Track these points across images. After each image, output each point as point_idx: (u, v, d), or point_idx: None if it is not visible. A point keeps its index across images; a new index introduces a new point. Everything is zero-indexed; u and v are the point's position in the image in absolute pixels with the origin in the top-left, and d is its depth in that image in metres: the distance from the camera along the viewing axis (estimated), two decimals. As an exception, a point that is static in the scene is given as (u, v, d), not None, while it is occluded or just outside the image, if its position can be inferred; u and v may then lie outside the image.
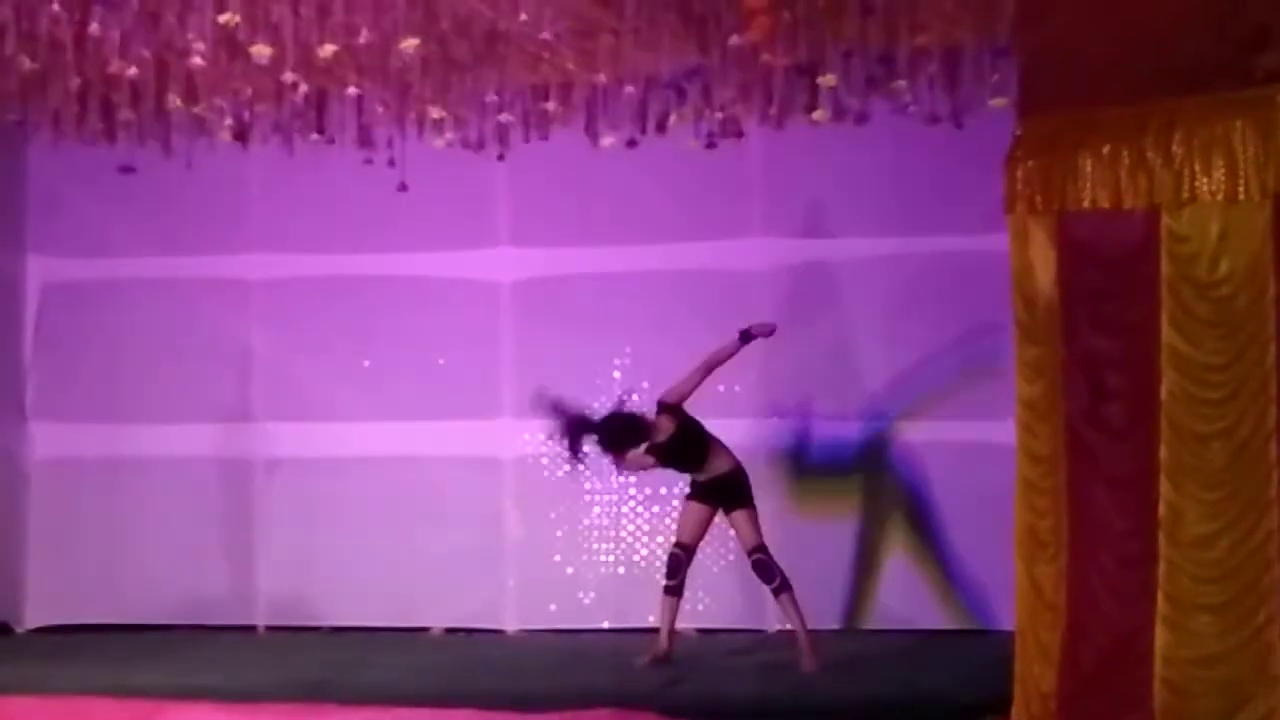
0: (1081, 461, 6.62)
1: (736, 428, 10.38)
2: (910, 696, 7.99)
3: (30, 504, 11.14)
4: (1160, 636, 6.34)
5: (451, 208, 10.78)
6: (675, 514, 10.47)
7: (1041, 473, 6.78)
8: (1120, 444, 6.51)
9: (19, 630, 11.01)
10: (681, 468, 9.27)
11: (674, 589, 9.16)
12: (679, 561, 9.16)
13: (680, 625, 10.24)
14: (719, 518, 9.19)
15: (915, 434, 10.31)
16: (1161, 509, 6.35)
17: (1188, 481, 6.31)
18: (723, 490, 9.11)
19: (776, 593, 9.02)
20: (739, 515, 9.11)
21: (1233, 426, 6.23)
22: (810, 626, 8.98)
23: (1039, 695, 6.73)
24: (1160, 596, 6.35)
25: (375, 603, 10.78)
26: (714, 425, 10.00)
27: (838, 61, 9.12)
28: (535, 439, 10.67)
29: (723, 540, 10.49)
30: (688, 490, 9.30)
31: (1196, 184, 6.31)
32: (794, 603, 8.95)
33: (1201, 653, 6.26)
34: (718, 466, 9.13)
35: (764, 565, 9.02)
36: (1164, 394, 6.35)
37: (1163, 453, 6.35)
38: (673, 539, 9.38)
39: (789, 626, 9.14)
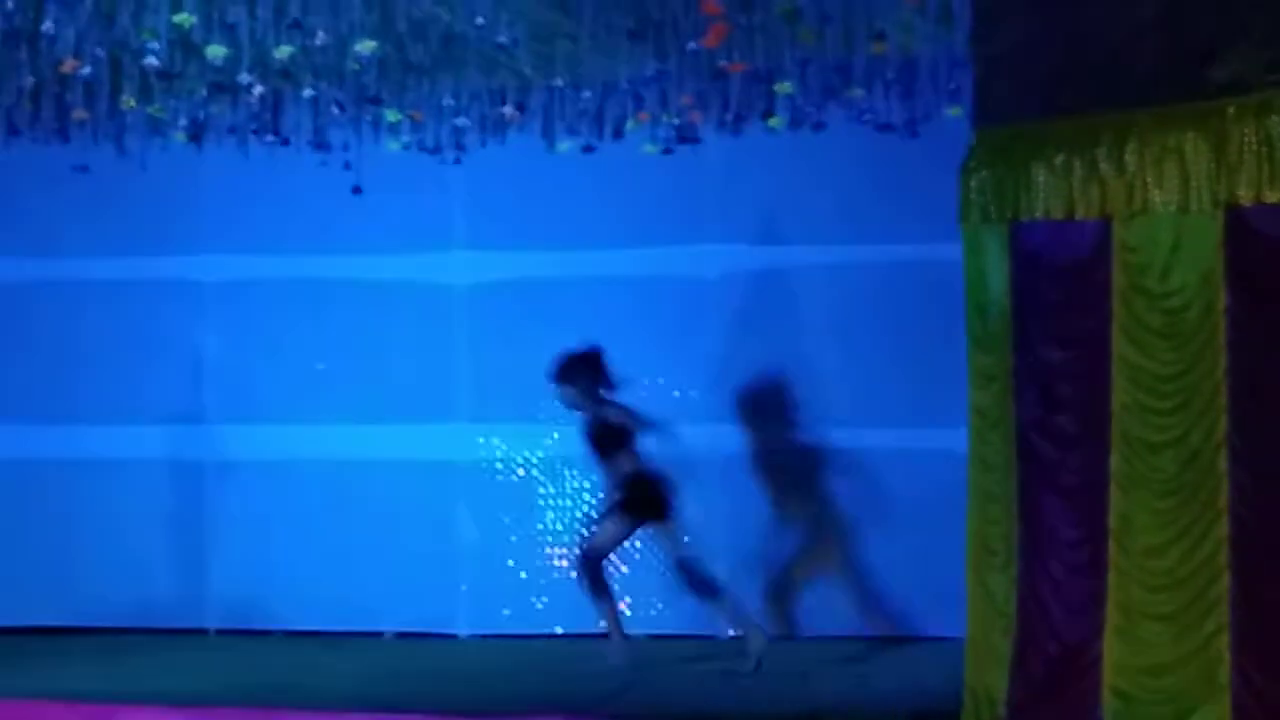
0: (1033, 470, 6.65)
1: (687, 433, 10.41)
2: (860, 703, 8.01)
3: (-22, 504, 11.05)
4: (1110, 645, 6.37)
5: (407, 211, 10.75)
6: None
7: (993, 480, 6.81)
8: (1071, 453, 6.54)
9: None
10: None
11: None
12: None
13: (632, 631, 10.28)
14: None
15: (867, 441, 10.33)
16: (1112, 518, 6.38)
17: (1138, 490, 6.33)
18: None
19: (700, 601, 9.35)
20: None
21: (1183, 436, 6.26)
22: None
23: (989, 702, 6.76)
24: (1110, 605, 6.38)
25: (327, 607, 10.74)
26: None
27: (795, 69, 9.17)
28: (489, 443, 10.71)
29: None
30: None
31: (1149, 195, 6.33)
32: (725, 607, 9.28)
33: (1151, 661, 6.29)
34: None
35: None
36: (1115, 404, 6.38)
37: (1114, 462, 6.38)
38: (626, 543, 9.46)
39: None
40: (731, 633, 9.77)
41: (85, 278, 11.05)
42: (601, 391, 9.43)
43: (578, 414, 9.52)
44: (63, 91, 9.37)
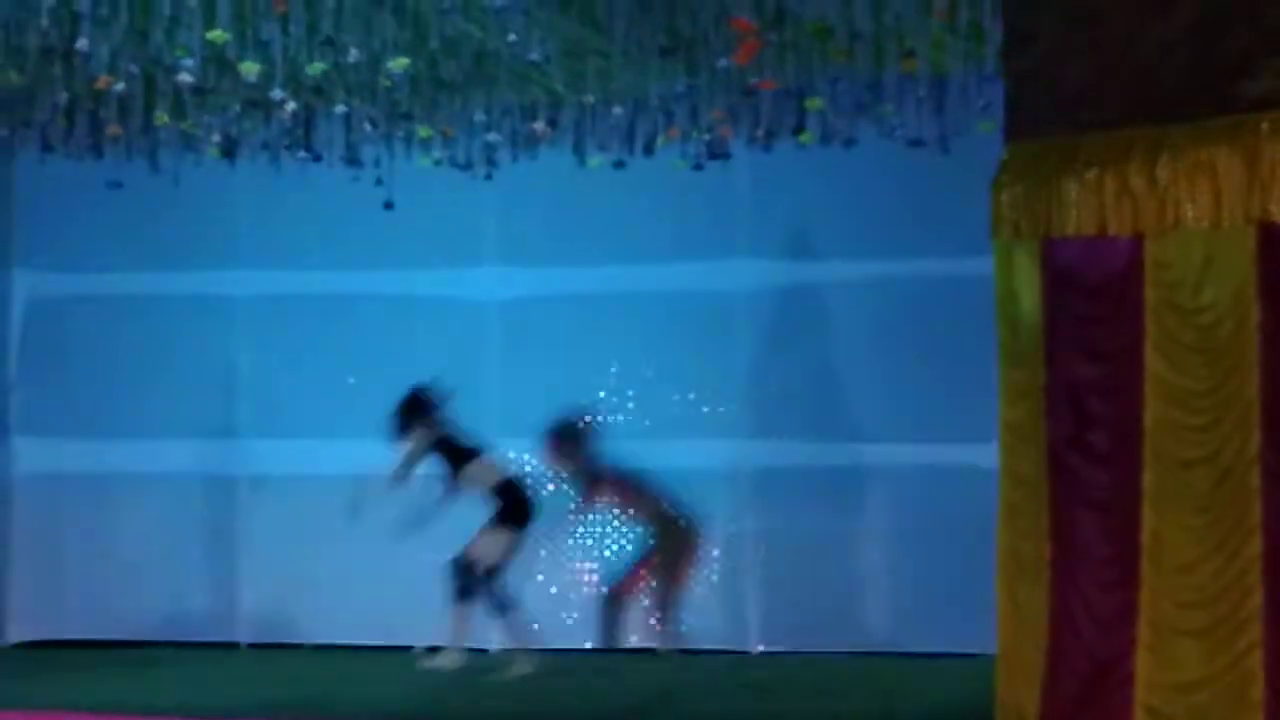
0: (1064, 485, 6.63)
1: (715, 449, 10.43)
2: (892, 719, 7.99)
3: (13, 519, 11.12)
4: (1141, 661, 6.35)
5: (438, 226, 10.79)
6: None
7: (1024, 496, 6.79)
8: (1103, 469, 6.53)
9: (1, 645, 10.98)
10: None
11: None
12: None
13: (661, 646, 10.29)
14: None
15: (897, 456, 10.31)
16: (1144, 534, 6.36)
17: (1170, 507, 6.31)
18: None
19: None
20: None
21: (1216, 453, 6.24)
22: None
23: (1020, 718, 6.73)
24: (1142, 622, 6.36)
25: (358, 621, 10.77)
26: (696, 447, 10.11)
27: (825, 85, 9.18)
28: (521, 458, 10.71)
29: (706, 563, 10.52)
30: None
31: (1181, 210, 6.32)
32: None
33: (1182, 678, 6.27)
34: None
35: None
36: (1148, 420, 6.36)
37: (1146, 478, 6.36)
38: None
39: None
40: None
41: (118, 293, 11.12)
42: (437, 422, 9.74)
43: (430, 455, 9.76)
44: (97, 108, 9.44)
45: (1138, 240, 6.42)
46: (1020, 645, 6.75)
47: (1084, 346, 6.59)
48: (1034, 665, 6.67)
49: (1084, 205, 6.53)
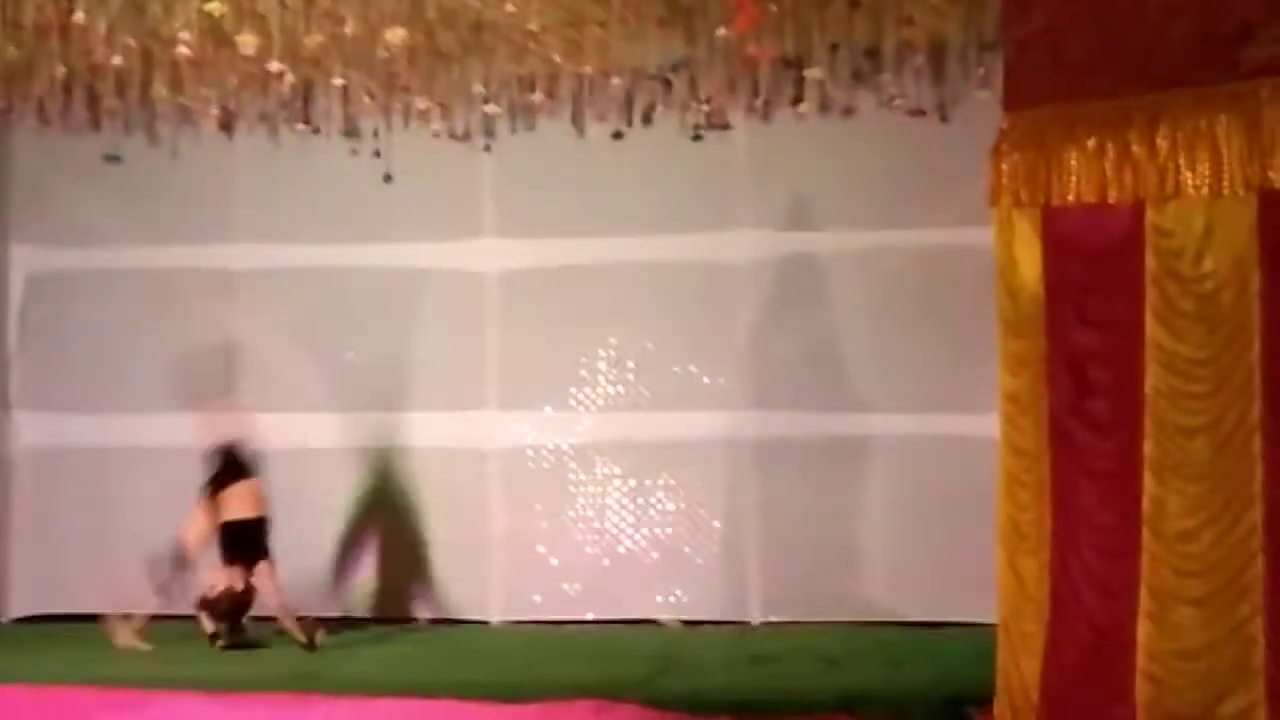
0: (1065, 455, 6.63)
1: (718, 420, 10.42)
2: (893, 689, 8.00)
3: (14, 493, 11.12)
4: (1143, 629, 6.36)
5: (437, 198, 10.76)
6: (659, 505, 10.55)
7: (1024, 466, 6.79)
8: (1104, 438, 6.53)
9: (2, 620, 10.99)
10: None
11: None
12: None
13: (664, 618, 10.30)
14: None
15: (897, 426, 10.31)
16: (1145, 503, 6.37)
17: (1171, 475, 6.32)
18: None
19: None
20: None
21: (1216, 421, 6.24)
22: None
23: (1022, 687, 6.75)
24: (1143, 590, 6.37)
25: (359, 593, 10.78)
26: (696, 418, 10.12)
27: (824, 55, 9.15)
28: (519, 430, 10.72)
29: (708, 534, 10.54)
30: None
31: (1181, 178, 6.31)
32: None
33: (1184, 646, 6.28)
34: None
35: None
36: (1148, 388, 6.36)
37: (1146, 447, 6.36)
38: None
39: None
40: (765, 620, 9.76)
41: (117, 267, 11.10)
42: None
43: None
44: (94, 81, 9.41)
45: (1138, 208, 6.41)
46: (1021, 614, 6.77)
47: (1084, 315, 6.59)
48: (1035, 634, 6.69)
49: (1084, 173, 6.52)
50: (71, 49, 8.81)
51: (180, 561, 9.66)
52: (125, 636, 9.63)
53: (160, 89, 9.29)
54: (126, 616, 9.67)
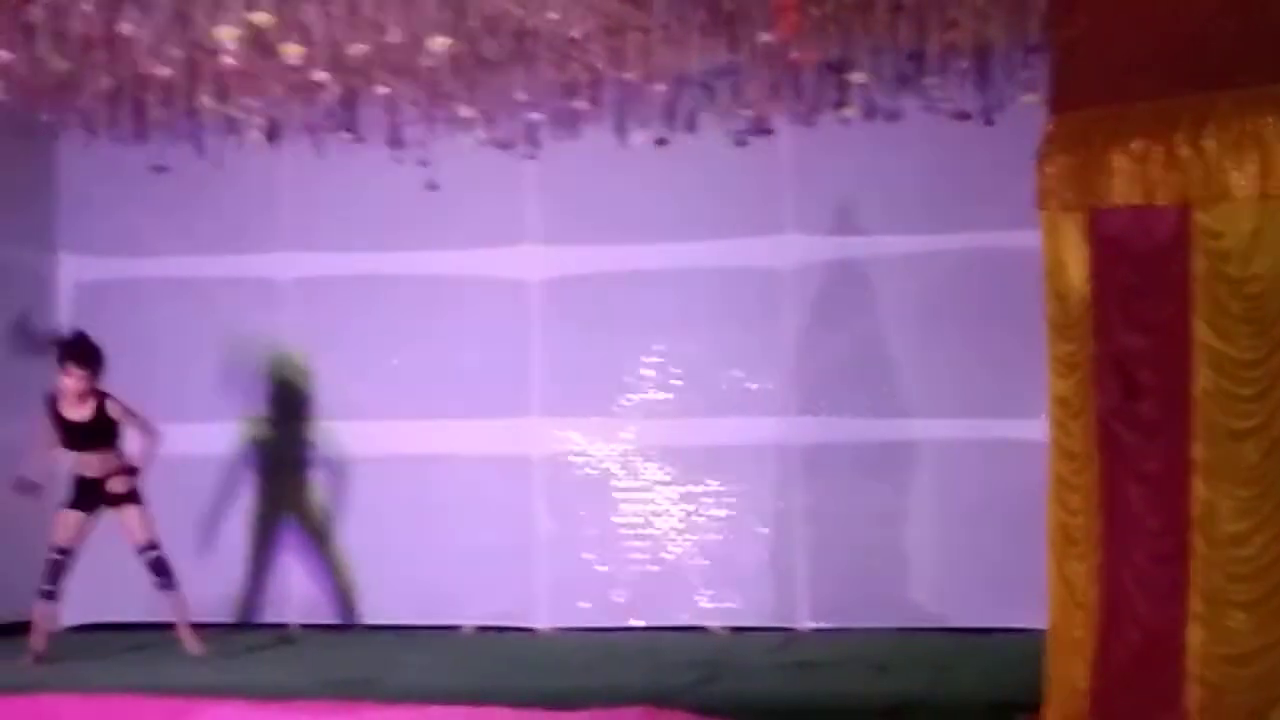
0: (1114, 458, 6.59)
1: (765, 425, 10.41)
2: (940, 695, 7.98)
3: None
4: (1193, 634, 6.32)
5: (481, 206, 10.79)
6: (706, 511, 10.53)
7: (1074, 469, 6.76)
8: (1153, 441, 6.49)
9: (55, 628, 11.05)
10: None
11: (52, 594, 9.49)
12: (59, 566, 9.44)
13: (711, 624, 10.29)
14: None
15: (945, 431, 10.27)
16: (1195, 506, 6.33)
17: (1221, 479, 6.28)
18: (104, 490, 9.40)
19: (165, 588, 9.49)
20: (130, 512, 9.45)
21: (1266, 423, 6.20)
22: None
23: (1072, 693, 6.71)
24: (1193, 594, 6.32)
25: (407, 601, 10.80)
26: (743, 424, 10.11)
27: (868, 58, 9.13)
28: (565, 437, 10.73)
29: (755, 540, 10.52)
30: (69, 498, 9.49)
31: (1229, 180, 6.27)
32: (181, 598, 9.52)
33: (1235, 650, 6.23)
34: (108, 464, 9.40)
35: (160, 562, 9.46)
36: (1197, 391, 6.32)
37: (1196, 450, 6.32)
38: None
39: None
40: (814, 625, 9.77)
41: (163, 276, 11.18)
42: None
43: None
44: (140, 92, 9.47)
45: (1185, 210, 6.37)
46: (1070, 619, 6.73)
47: (1132, 317, 6.55)
48: (1084, 639, 6.65)
49: (1130, 175, 6.48)
50: (118, 60, 8.87)
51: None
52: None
53: (206, 99, 9.34)
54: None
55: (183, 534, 10.79)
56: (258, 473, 11.13)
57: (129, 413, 9.46)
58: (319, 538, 11.01)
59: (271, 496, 11.13)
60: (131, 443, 9.63)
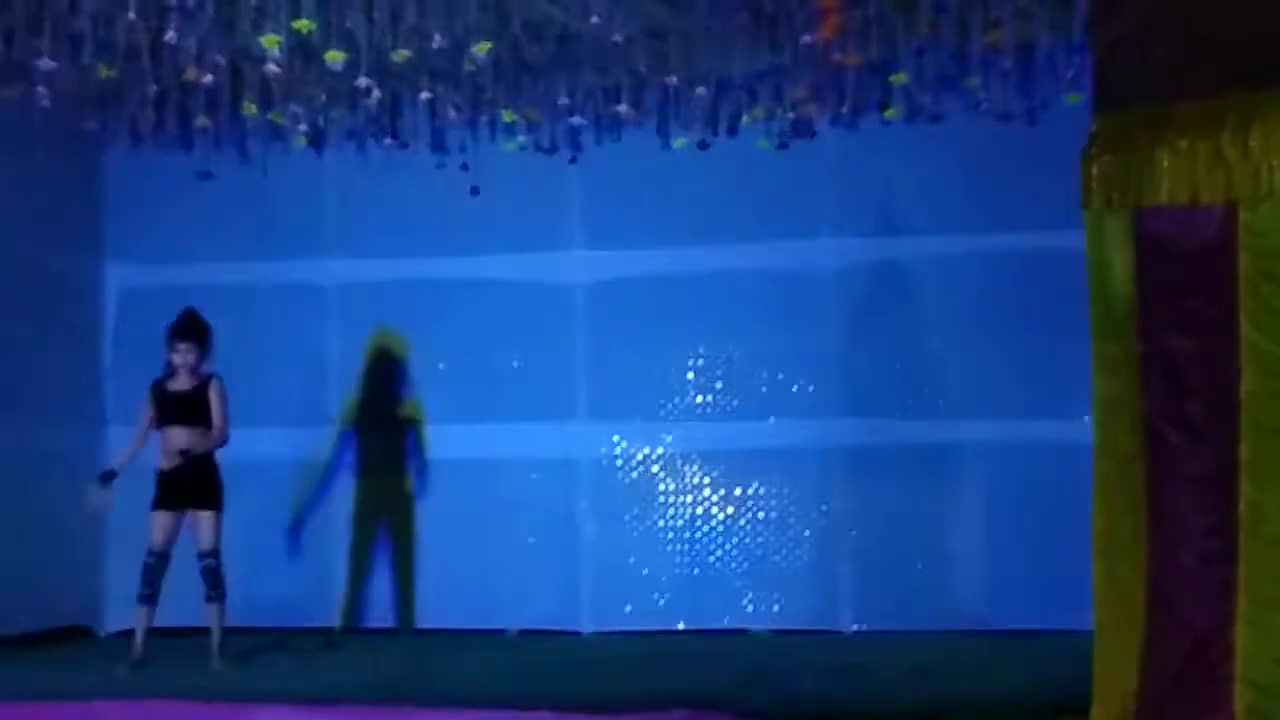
0: (1161, 459, 6.55)
1: (805, 428, 10.40)
2: (985, 698, 7.94)
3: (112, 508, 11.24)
4: (1241, 635, 6.27)
5: (524, 210, 10.82)
6: (749, 514, 10.53)
7: (1120, 470, 6.72)
8: (1200, 442, 6.45)
9: (100, 634, 11.13)
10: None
11: (150, 597, 9.37)
12: (153, 569, 9.35)
13: (754, 626, 10.28)
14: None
15: (991, 433, 10.24)
16: (1242, 507, 6.28)
17: (1269, 479, 6.23)
18: (188, 488, 9.29)
19: (210, 600, 9.32)
20: (204, 516, 9.34)
21: (1314, 423, 6.16)
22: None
23: (1119, 695, 6.67)
24: (1241, 595, 6.28)
25: (451, 604, 10.83)
26: (786, 426, 10.10)
27: (910, 59, 9.11)
28: (609, 440, 10.74)
29: (798, 543, 10.51)
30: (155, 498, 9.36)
31: (1275, 179, 6.23)
32: (221, 612, 9.34)
33: (1284, 652, 6.19)
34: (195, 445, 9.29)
35: (211, 572, 9.32)
36: (1244, 391, 6.28)
37: (1243, 450, 6.28)
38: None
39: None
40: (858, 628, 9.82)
41: (209, 283, 11.20)
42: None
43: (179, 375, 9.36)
44: (185, 99, 9.53)
45: (1231, 209, 6.33)
46: (1118, 621, 6.69)
47: (1178, 317, 6.51)
48: (1132, 640, 6.61)
49: (1176, 174, 6.45)
50: (162, 68, 8.92)
51: None
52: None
53: (250, 105, 9.39)
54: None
55: (234, 540, 10.84)
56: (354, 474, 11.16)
57: (220, 404, 9.37)
58: (400, 540, 11.02)
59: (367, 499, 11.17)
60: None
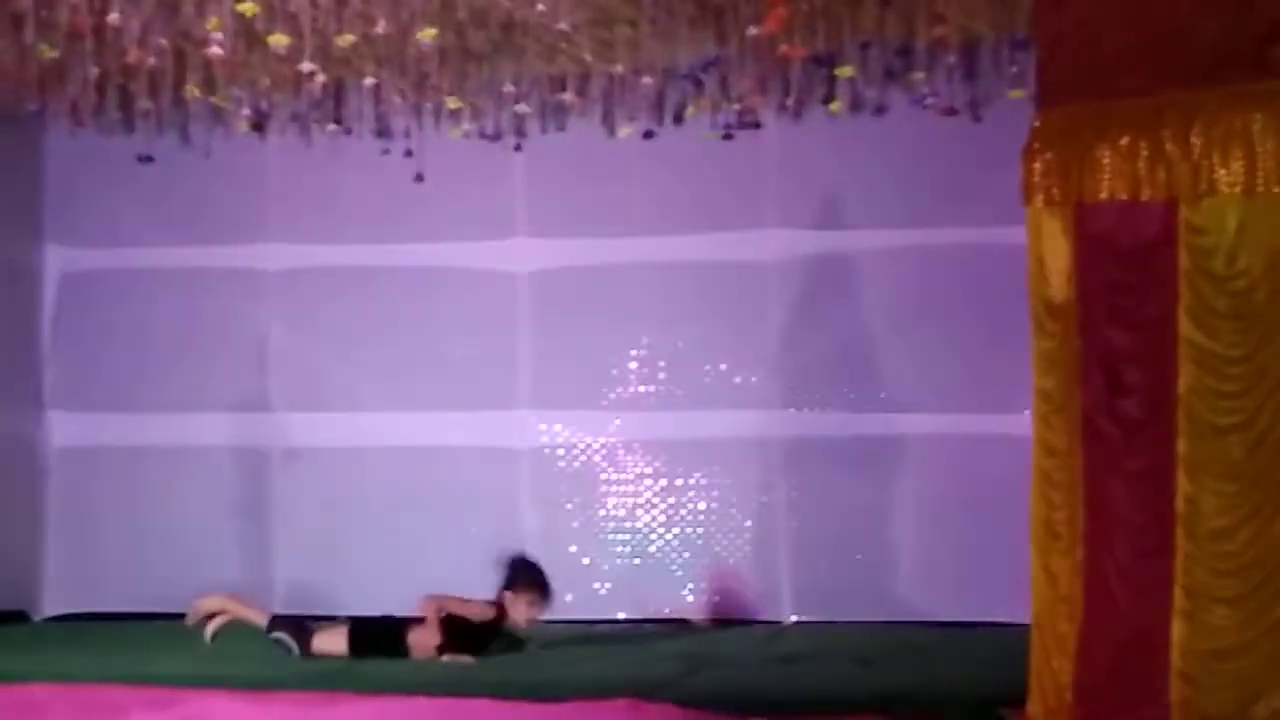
0: (1098, 454, 6.61)
1: (747, 419, 10.42)
2: (924, 690, 7.98)
3: (48, 492, 11.17)
4: (1177, 629, 6.34)
5: (468, 198, 10.79)
6: (690, 504, 10.54)
7: (1057, 465, 6.77)
8: (1137, 437, 6.51)
9: (36, 618, 11.05)
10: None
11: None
12: None
13: (695, 616, 10.29)
14: None
15: (929, 426, 10.29)
16: (1179, 502, 6.35)
17: (1205, 474, 6.30)
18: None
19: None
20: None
21: (1251, 419, 6.22)
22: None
23: (1055, 687, 6.73)
24: (1177, 589, 6.35)
25: (391, 592, 10.78)
26: (728, 417, 10.11)
27: (855, 53, 9.14)
28: (551, 430, 10.73)
29: (739, 533, 10.53)
30: None
31: (1215, 176, 6.30)
32: None
33: (1218, 645, 6.26)
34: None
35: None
36: (1181, 387, 6.34)
37: (1180, 446, 6.34)
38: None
39: None
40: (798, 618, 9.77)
41: (150, 267, 11.15)
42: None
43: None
44: (127, 82, 9.45)
45: (1171, 206, 6.39)
46: (1054, 614, 6.74)
47: (1117, 314, 6.57)
48: (1068, 633, 6.67)
49: (1117, 171, 6.50)
50: (105, 50, 8.85)
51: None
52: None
53: (193, 89, 9.33)
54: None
55: (169, 526, 10.81)
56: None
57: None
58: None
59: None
60: None
